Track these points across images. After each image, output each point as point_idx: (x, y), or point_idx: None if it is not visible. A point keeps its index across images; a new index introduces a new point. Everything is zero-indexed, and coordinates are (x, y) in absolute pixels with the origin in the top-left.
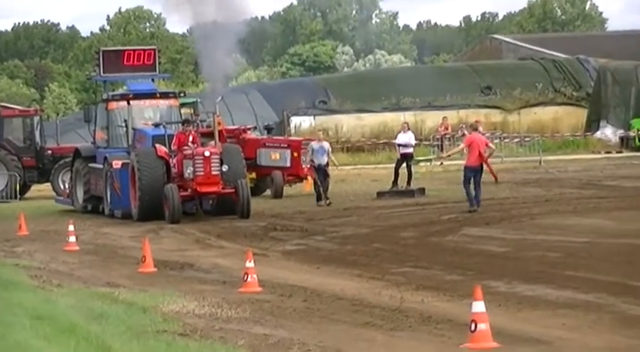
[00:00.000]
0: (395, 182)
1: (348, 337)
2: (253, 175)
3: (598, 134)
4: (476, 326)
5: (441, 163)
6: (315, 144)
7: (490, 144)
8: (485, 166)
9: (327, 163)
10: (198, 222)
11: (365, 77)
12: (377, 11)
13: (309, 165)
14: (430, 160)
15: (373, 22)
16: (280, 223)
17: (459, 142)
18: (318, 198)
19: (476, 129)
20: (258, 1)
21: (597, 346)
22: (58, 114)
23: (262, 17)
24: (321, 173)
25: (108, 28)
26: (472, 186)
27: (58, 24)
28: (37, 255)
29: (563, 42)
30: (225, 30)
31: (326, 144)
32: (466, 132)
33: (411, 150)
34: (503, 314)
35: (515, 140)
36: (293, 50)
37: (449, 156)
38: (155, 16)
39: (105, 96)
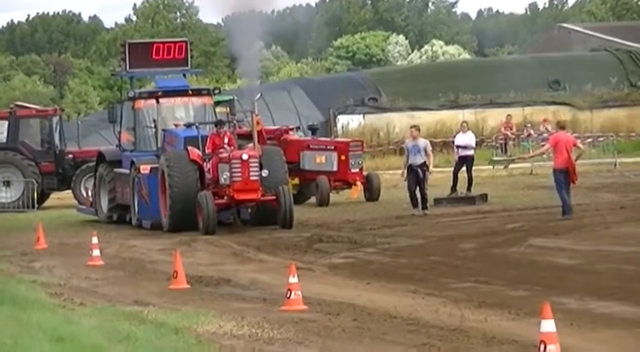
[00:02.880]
0: (454, 187)
1: None
2: (296, 181)
3: None
4: (545, 347)
5: (505, 166)
6: (408, 143)
7: (579, 144)
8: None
9: (425, 164)
10: (236, 233)
11: (419, 71)
12: None
13: (403, 167)
14: (511, 161)
15: (429, 10)
16: (326, 234)
17: (525, 143)
18: (414, 205)
19: (563, 128)
20: None
21: None
22: (79, 115)
23: (307, 4)
24: (414, 175)
25: (134, 18)
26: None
27: (79, 14)
28: (57, 271)
29: None
30: (264, 19)
31: (422, 142)
32: (532, 132)
33: (470, 152)
34: (574, 334)
35: (588, 140)
36: (339, 42)
37: (532, 157)
38: (186, 4)
39: (131, 94)
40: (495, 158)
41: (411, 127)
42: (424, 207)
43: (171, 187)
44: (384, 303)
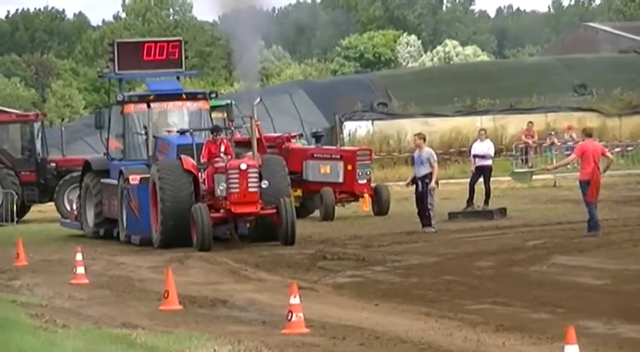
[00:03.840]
0: (470, 200)
1: None
2: (299, 193)
3: None
4: None
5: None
6: (415, 154)
7: (608, 154)
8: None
9: (429, 176)
10: (233, 249)
11: (433, 74)
12: None
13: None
14: (533, 173)
15: (444, 7)
16: (331, 250)
17: (547, 152)
18: (422, 223)
19: (590, 136)
20: None
21: None
22: (63, 120)
23: (312, 0)
24: (417, 188)
25: (123, 15)
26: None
27: (64, 11)
28: (39, 290)
29: None
30: (264, 16)
31: (425, 152)
32: (556, 140)
33: (488, 162)
34: None
35: (616, 149)
36: (346, 41)
37: (556, 168)
38: (180, 0)
39: (120, 98)
40: (516, 169)
41: (415, 136)
42: (428, 224)
43: (163, 201)
44: (393, 326)
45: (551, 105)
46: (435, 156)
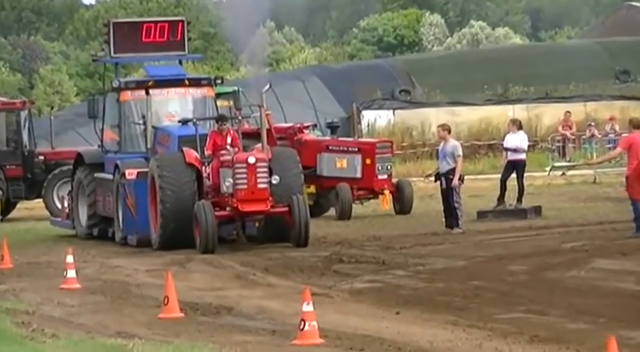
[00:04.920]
0: (501, 198)
1: None
2: (312, 189)
3: None
4: None
5: (563, 173)
6: (439, 147)
7: None
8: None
9: (452, 172)
10: (239, 251)
11: (461, 59)
12: None
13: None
14: (573, 167)
15: None
16: (348, 253)
17: (586, 145)
18: (446, 224)
19: (637, 127)
20: None
21: None
22: (52, 108)
23: None
24: (441, 185)
25: None
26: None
27: None
28: (25, 295)
29: None
30: None
31: (449, 146)
32: (595, 132)
33: (521, 156)
34: None
35: None
36: (365, 22)
37: (600, 163)
38: None
39: (116, 84)
40: (556, 163)
41: (439, 127)
42: (455, 225)
43: (164, 203)
44: (416, 337)
45: (591, 93)
46: (460, 150)
